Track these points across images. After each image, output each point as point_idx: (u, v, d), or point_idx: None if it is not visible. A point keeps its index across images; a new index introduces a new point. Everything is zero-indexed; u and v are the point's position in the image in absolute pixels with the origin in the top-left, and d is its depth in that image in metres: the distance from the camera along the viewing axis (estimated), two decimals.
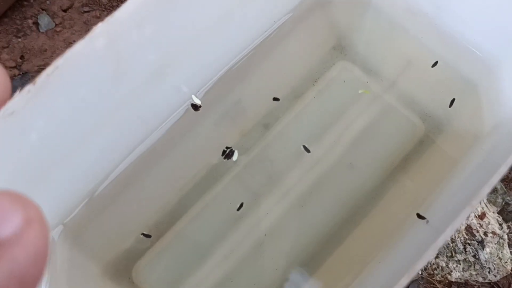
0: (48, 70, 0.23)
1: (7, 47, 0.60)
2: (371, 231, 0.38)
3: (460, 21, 0.39)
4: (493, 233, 0.51)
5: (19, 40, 0.60)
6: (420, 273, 0.51)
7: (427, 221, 0.35)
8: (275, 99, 0.41)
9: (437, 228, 0.33)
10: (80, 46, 0.24)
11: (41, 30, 0.61)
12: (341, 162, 0.40)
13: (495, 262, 0.50)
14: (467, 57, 0.40)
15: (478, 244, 0.50)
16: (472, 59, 0.40)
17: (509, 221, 0.53)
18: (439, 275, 0.51)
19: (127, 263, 0.38)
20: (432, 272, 0.51)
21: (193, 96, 0.39)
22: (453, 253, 0.50)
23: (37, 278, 0.11)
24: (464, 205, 0.25)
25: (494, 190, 0.54)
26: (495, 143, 0.36)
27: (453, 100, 0.41)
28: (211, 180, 0.40)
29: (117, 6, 0.62)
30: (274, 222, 0.39)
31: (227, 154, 0.40)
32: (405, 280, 0.23)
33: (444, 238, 0.24)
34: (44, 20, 0.61)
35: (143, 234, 0.38)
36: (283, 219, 0.39)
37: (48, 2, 0.62)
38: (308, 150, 0.40)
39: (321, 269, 0.38)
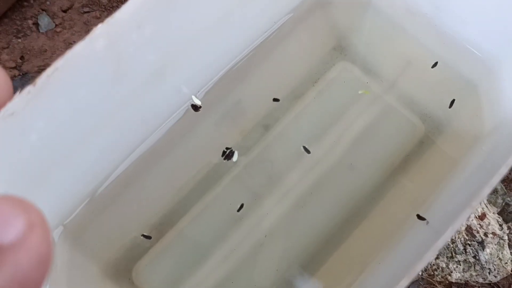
0: (48, 71, 0.23)
1: (7, 47, 0.60)
2: (371, 232, 0.38)
3: (460, 21, 0.39)
4: (493, 233, 0.50)
5: (19, 40, 0.60)
6: (420, 274, 0.51)
7: (427, 222, 0.35)
8: (275, 99, 0.41)
9: (437, 229, 0.33)
10: (80, 47, 0.24)
11: (41, 31, 0.61)
12: (341, 162, 0.40)
13: (495, 263, 0.50)
14: (467, 57, 0.40)
15: (478, 245, 0.50)
16: (472, 59, 0.40)
17: (509, 222, 0.53)
18: (439, 276, 0.51)
19: (127, 263, 0.38)
20: (432, 273, 0.51)
21: (193, 97, 0.39)
22: (453, 254, 0.50)
23: (40, 283, 0.11)
24: (464, 206, 0.25)
25: (494, 191, 0.54)
26: (495, 144, 0.36)
27: (453, 101, 0.41)
28: (211, 180, 0.40)
29: (117, 6, 0.62)
30: (274, 223, 0.38)
31: (227, 155, 0.40)
32: (406, 281, 0.23)
33: (444, 240, 0.24)
34: (44, 21, 0.61)
35: (143, 235, 0.38)
36: (283, 220, 0.39)
37: (48, 2, 0.62)
38: (308, 151, 0.40)
39: (321, 270, 0.38)
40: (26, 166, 0.27)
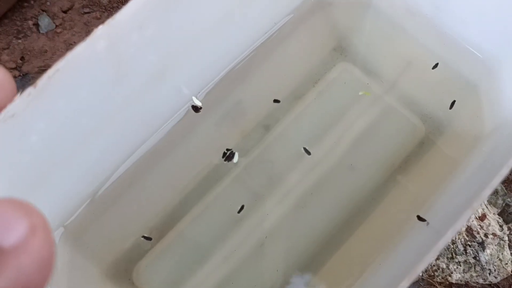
0: (49, 72, 0.23)
1: (7, 48, 0.60)
2: (372, 233, 0.38)
3: (460, 21, 0.39)
4: (494, 234, 0.50)
5: (20, 41, 0.60)
6: (420, 274, 0.51)
7: (428, 223, 0.35)
8: (276, 100, 0.41)
9: (437, 230, 0.33)
10: (81, 49, 0.24)
11: (41, 31, 0.61)
12: (342, 163, 0.40)
13: (495, 264, 0.50)
14: (467, 57, 0.40)
15: (478, 246, 0.50)
16: (472, 60, 0.40)
17: (509, 223, 0.53)
18: (440, 277, 0.51)
19: (127, 264, 0.38)
20: (432, 274, 0.51)
21: (194, 98, 0.39)
22: (454, 255, 0.50)
23: (42, 285, 0.11)
24: (465, 207, 0.25)
25: (495, 192, 0.54)
26: (495, 144, 0.36)
27: (453, 102, 0.41)
28: (212, 181, 0.40)
29: (118, 7, 0.62)
30: (274, 224, 0.38)
31: (228, 156, 0.40)
32: (406, 283, 0.23)
33: (445, 241, 0.24)
34: (45, 21, 0.61)
35: (143, 236, 0.38)
36: (284, 221, 0.39)
37: (48, 3, 0.62)
38: (308, 152, 0.40)
39: (321, 271, 0.38)
40: (26, 167, 0.27)
